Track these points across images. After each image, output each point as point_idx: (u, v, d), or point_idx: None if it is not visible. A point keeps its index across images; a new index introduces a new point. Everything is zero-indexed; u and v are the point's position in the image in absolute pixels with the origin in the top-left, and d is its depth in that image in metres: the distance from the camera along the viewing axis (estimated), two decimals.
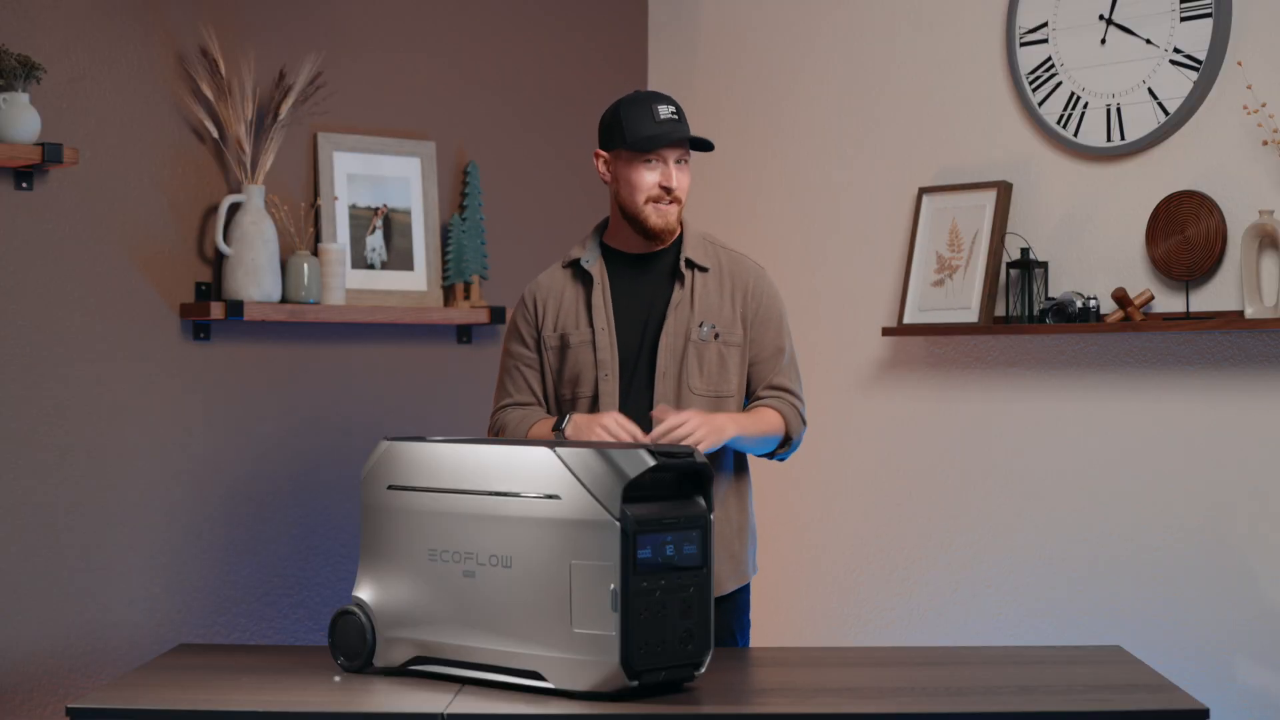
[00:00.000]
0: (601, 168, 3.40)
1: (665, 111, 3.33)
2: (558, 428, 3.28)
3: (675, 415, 3.18)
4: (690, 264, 3.39)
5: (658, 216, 3.34)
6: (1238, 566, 3.90)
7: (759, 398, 3.40)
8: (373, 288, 4.43)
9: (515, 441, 3.05)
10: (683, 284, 3.37)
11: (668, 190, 3.32)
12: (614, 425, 3.19)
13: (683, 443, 3.14)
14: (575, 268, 3.44)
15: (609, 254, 3.44)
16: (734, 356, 3.38)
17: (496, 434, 3.45)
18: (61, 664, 3.94)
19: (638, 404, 3.34)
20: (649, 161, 3.32)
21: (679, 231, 3.43)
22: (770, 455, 3.41)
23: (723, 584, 3.36)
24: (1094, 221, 4.13)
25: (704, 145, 3.38)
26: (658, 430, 3.17)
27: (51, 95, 3.94)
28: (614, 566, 2.69)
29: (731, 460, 3.41)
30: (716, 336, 3.35)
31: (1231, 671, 3.89)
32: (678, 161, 3.34)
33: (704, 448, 3.18)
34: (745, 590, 3.46)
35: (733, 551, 3.39)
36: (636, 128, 3.31)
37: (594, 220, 3.55)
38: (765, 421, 3.34)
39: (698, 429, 3.18)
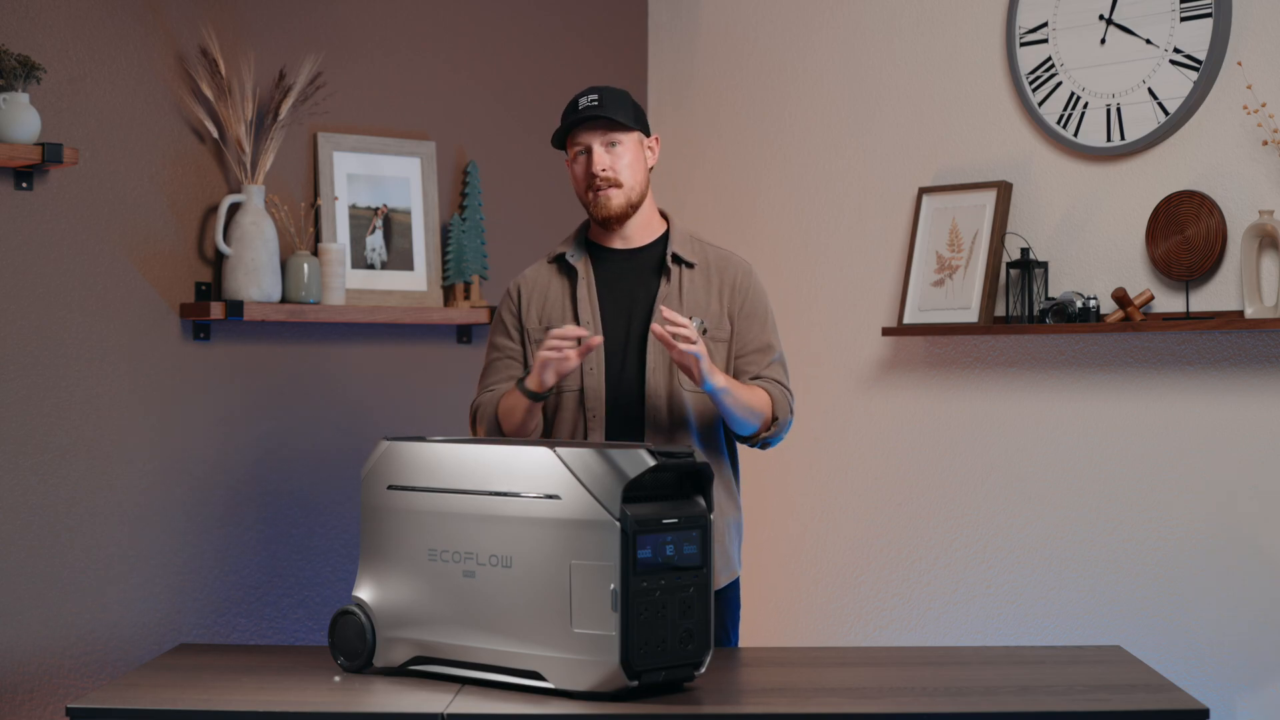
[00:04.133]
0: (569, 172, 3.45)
1: (585, 101, 3.36)
2: (524, 391, 3.27)
3: (681, 320, 3.16)
4: (677, 259, 3.39)
5: (598, 205, 3.36)
6: (1238, 566, 3.90)
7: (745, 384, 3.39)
8: (373, 288, 4.43)
9: (515, 441, 3.05)
10: (669, 279, 3.38)
11: (595, 176, 3.34)
12: (555, 340, 3.19)
13: (680, 342, 3.13)
14: (560, 262, 3.45)
15: (594, 250, 3.45)
16: (720, 352, 3.37)
17: (474, 423, 3.45)
18: (61, 664, 3.94)
19: (626, 400, 3.34)
20: (579, 153, 3.37)
21: (665, 226, 3.45)
22: (754, 440, 3.38)
23: (716, 579, 3.37)
24: (1094, 221, 4.13)
25: (617, 123, 3.34)
26: (665, 318, 3.14)
27: (51, 95, 3.94)
28: (614, 566, 2.69)
29: (726, 453, 3.41)
30: (705, 333, 3.34)
31: (1231, 671, 3.89)
32: (611, 145, 3.35)
33: (697, 365, 3.15)
34: (736, 587, 3.46)
35: (723, 546, 3.39)
36: (563, 122, 3.37)
37: None
38: (753, 394, 3.32)
39: (695, 347, 3.14)
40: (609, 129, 3.34)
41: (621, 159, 3.35)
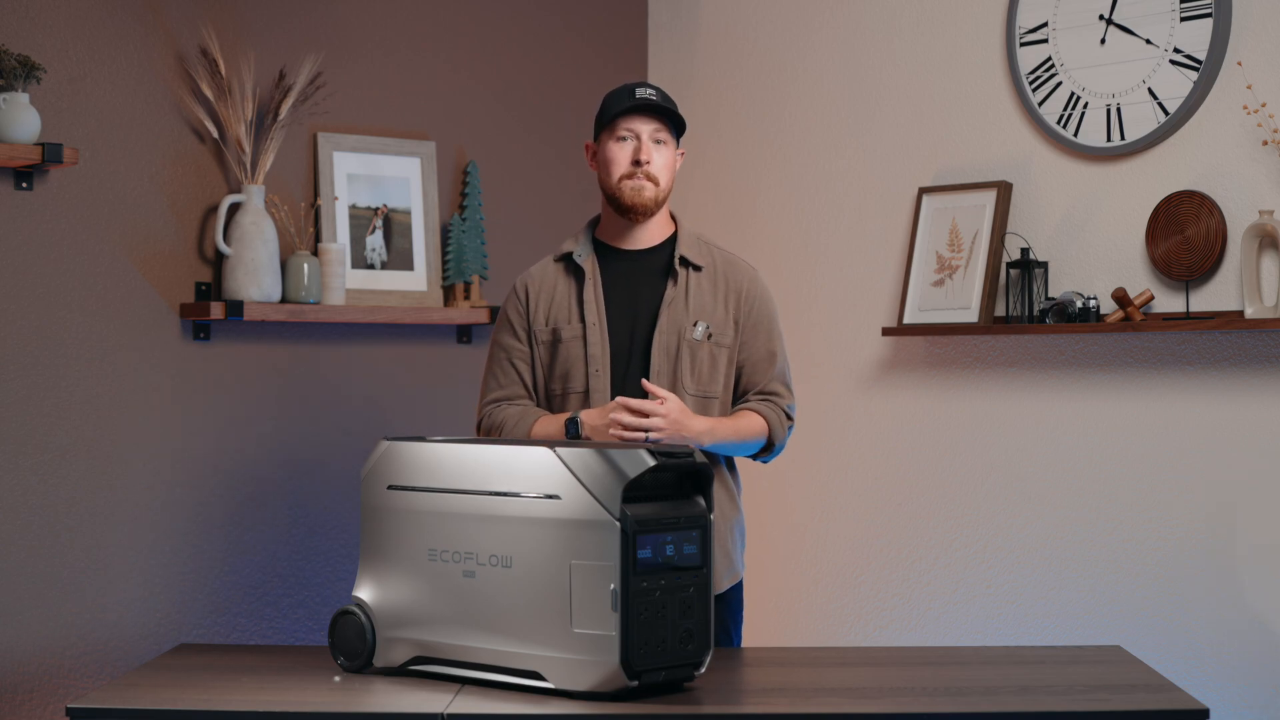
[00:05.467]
0: (589, 158, 3.45)
1: (645, 92, 3.37)
2: (573, 434, 3.28)
3: (652, 405, 3.19)
4: (685, 262, 3.39)
5: (631, 192, 3.36)
6: (1238, 566, 3.90)
7: (746, 401, 3.40)
8: (373, 288, 4.43)
9: (516, 441, 3.05)
10: (676, 281, 3.38)
11: (639, 164, 3.34)
12: (627, 418, 3.20)
13: (643, 433, 3.18)
14: (567, 261, 3.45)
15: (601, 249, 3.45)
16: (723, 357, 3.38)
17: (488, 432, 3.44)
18: (61, 664, 3.94)
19: None
20: (624, 138, 3.36)
21: (674, 228, 3.45)
22: (752, 457, 3.42)
23: (719, 582, 3.37)
24: (1094, 221, 4.13)
25: (677, 119, 3.38)
26: (632, 409, 3.18)
27: (51, 95, 3.94)
28: (614, 566, 2.69)
29: (722, 457, 3.41)
30: (710, 337, 3.35)
31: (1231, 671, 3.89)
32: (657, 142, 3.36)
33: (655, 436, 3.20)
34: (739, 588, 3.46)
35: (726, 549, 3.39)
36: (614, 106, 3.37)
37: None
38: (747, 428, 3.35)
39: (662, 431, 3.19)
40: (662, 124, 3.36)
41: (662, 157, 3.37)
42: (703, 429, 3.26)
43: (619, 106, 3.35)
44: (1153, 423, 4.04)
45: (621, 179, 3.35)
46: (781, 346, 3.45)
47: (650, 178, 3.35)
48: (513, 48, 4.78)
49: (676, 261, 3.38)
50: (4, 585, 3.87)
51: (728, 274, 3.41)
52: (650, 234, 3.43)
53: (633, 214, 3.37)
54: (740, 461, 3.50)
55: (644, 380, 3.26)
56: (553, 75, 4.83)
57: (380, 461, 3.00)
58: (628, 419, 3.18)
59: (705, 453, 3.35)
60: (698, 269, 3.40)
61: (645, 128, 3.35)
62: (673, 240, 3.43)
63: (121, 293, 4.07)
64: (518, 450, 2.84)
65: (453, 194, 4.64)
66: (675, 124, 3.39)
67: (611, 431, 3.20)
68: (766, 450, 3.39)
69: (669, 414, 3.20)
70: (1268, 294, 3.79)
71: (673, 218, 3.47)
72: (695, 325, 3.35)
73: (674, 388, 3.33)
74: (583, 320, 3.38)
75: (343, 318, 4.29)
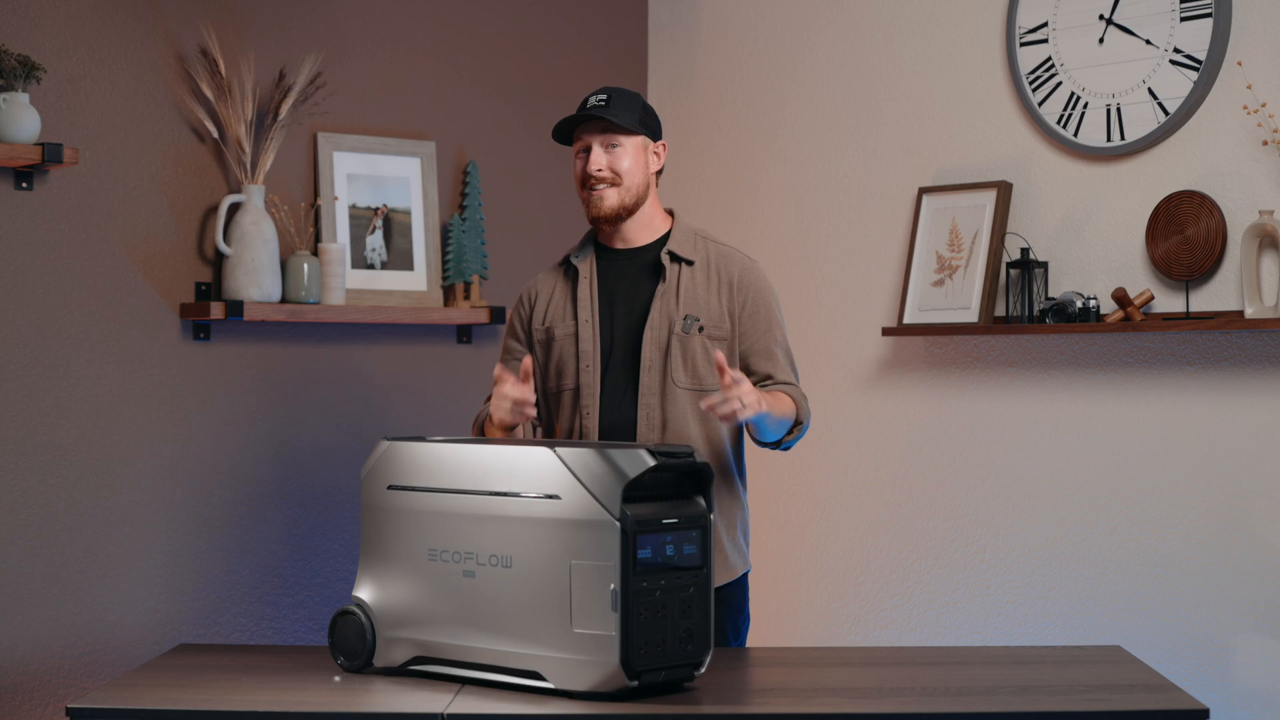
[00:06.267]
0: None
1: (593, 100, 3.37)
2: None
3: (734, 374, 3.12)
4: (674, 257, 3.40)
5: (591, 205, 3.38)
6: (1238, 566, 3.90)
7: (764, 388, 3.39)
8: (373, 288, 4.43)
9: (515, 441, 3.06)
10: (664, 277, 3.38)
11: (590, 175, 3.36)
12: (507, 391, 3.23)
13: (730, 409, 3.10)
14: (567, 264, 3.48)
15: (600, 251, 3.47)
16: (721, 349, 3.37)
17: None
18: (61, 664, 3.94)
19: (621, 396, 3.36)
20: (579, 153, 3.39)
21: (670, 225, 3.45)
22: (776, 444, 3.39)
23: (724, 574, 3.36)
24: (1094, 221, 4.13)
25: (617, 125, 3.34)
26: (724, 386, 3.12)
27: (51, 95, 3.94)
28: (614, 566, 2.69)
29: (729, 448, 3.41)
30: (701, 329, 3.35)
31: (1231, 671, 3.89)
32: (611, 146, 3.36)
33: (744, 415, 3.13)
34: (739, 586, 3.45)
35: (723, 543, 3.38)
36: (560, 121, 3.40)
37: None
38: (782, 404, 3.30)
39: (748, 398, 3.11)
40: (609, 130, 3.35)
41: (621, 161, 3.36)
42: (758, 399, 3.18)
43: (566, 119, 3.38)
44: (1153, 423, 4.04)
45: (583, 191, 3.39)
46: (783, 336, 3.43)
47: (608, 183, 3.36)
48: (513, 48, 4.78)
49: (664, 257, 3.39)
50: (4, 585, 3.87)
51: (720, 266, 3.42)
52: (641, 233, 3.43)
53: (602, 223, 3.40)
54: (744, 458, 3.50)
55: (718, 353, 3.17)
56: (553, 75, 4.83)
57: (380, 461, 3.00)
58: (727, 409, 3.11)
59: (711, 447, 3.36)
60: (689, 263, 3.40)
61: (596, 137, 3.36)
62: (667, 237, 3.44)
63: (121, 293, 4.07)
64: (518, 450, 2.84)
65: (453, 194, 4.64)
66: (631, 123, 3.36)
67: (717, 409, 3.13)
68: (792, 432, 3.34)
69: (746, 386, 3.12)
70: (1268, 294, 3.79)
71: (670, 214, 3.48)
72: (685, 318, 3.35)
73: (664, 381, 3.34)
74: (575, 318, 3.39)
75: (343, 318, 4.29)
